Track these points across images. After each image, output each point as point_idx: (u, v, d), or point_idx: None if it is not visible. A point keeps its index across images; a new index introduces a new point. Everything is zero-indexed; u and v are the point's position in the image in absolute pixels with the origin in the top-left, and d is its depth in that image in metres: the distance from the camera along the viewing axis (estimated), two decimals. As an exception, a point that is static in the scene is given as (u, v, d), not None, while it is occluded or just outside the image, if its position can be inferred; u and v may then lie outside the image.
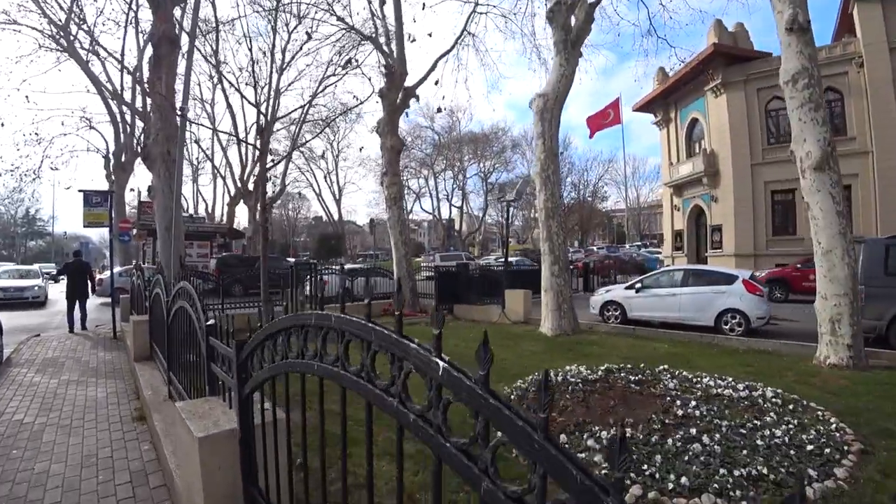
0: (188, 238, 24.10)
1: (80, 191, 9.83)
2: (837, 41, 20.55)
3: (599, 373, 6.39)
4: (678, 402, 5.16)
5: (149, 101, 10.97)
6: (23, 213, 62.45)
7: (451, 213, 49.25)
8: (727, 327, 11.06)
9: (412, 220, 59.65)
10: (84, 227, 9.70)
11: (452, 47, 17.92)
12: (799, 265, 17.03)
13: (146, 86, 10.31)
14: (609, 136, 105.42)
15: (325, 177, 46.75)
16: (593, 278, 20.65)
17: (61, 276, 12.68)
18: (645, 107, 26.10)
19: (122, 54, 17.50)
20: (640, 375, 6.33)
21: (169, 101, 10.02)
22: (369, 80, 15.19)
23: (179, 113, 8.05)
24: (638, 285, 12.60)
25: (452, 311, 14.26)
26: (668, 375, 6.35)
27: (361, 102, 11.00)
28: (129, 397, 6.16)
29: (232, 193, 28.99)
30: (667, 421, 4.73)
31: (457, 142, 43.02)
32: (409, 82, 15.69)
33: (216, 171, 32.44)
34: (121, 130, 22.70)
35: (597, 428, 4.63)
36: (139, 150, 9.90)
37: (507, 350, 9.20)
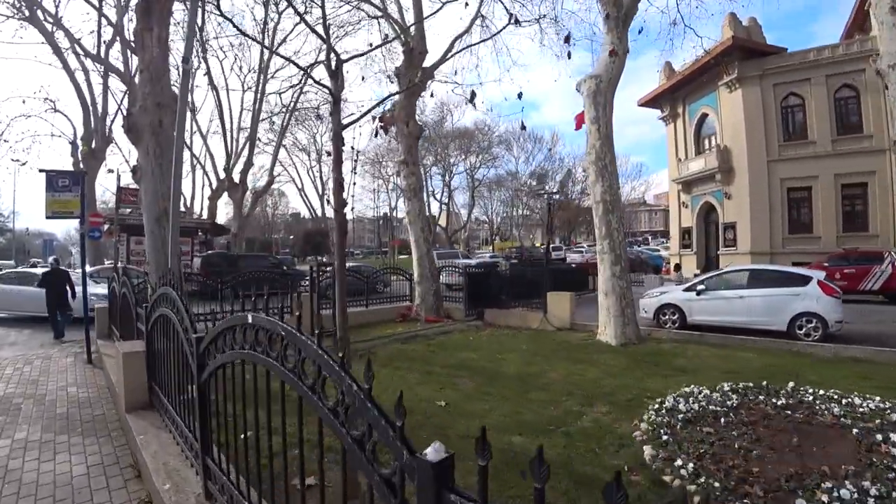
0: None
1: (41, 171, 7.26)
2: (848, 39, 19.53)
3: (733, 397, 5.43)
4: (878, 437, 4.11)
5: (134, 60, 8.46)
6: (-20, 208, 56.39)
7: (440, 209, 47.02)
8: (802, 332, 9.81)
9: (387, 217, 57.13)
10: (47, 217, 7.14)
11: (468, 28, 15.88)
12: (826, 263, 15.82)
13: (132, 40, 7.79)
14: (581, 135, 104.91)
15: (307, 171, 43.76)
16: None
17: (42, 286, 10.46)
18: (651, 102, 24.67)
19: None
20: (781, 398, 5.38)
21: (161, 57, 7.56)
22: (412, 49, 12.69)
23: (183, 64, 5.71)
24: (700, 287, 11.00)
25: (483, 317, 12.22)
26: (811, 396, 5.43)
27: (397, 92, 8.93)
28: (125, 474, 3.86)
29: (214, 186, 25.91)
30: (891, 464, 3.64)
31: (445, 137, 40.87)
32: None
33: (196, 161, 29.14)
34: (91, 112, 19.48)
35: (829, 484, 3.32)
36: (114, 124, 7.37)
37: (586, 366, 7.65)
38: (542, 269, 12.80)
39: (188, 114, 24.38)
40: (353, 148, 11.78)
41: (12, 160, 25.28)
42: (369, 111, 4.23)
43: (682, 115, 23.19)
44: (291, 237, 57.65)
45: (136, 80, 7.68)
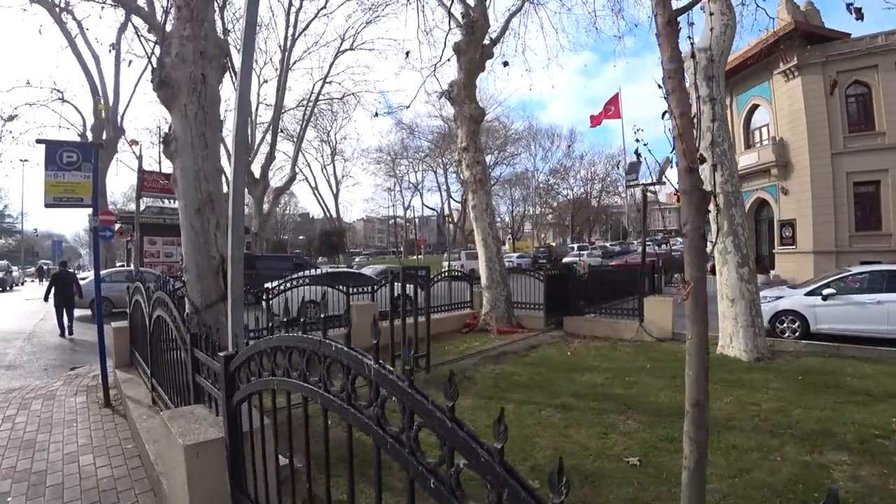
0: (172, 234, 18.75)
1: (39, 141, 5.06)
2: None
3: None
4: None
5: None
6: (-11, 208, 53.87)
7: (463, 208, 44.37)
8: (961, 344, 7.82)
9: (402, 218, 54.92)
10: (46, 205, 4.95)
11: (521, 7, 13.80)
12: (913, 263, 13.85)
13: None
14: (597, 133, 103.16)
15: (321, 168, 41.40)
16: (660, 278, 16.93)
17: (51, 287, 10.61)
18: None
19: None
20: None
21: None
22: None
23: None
24: (826, 291, 9.05)
25: (562, 326, 10.12)
26: None
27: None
28: None
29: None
30: None
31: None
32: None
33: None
34: (101, 101, 17.12)
35: None
36: (153, 79, 5.13)
37: (747, 391, 5.88)
38: (624, 271, 10.73)
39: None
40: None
41: (20, 160, 22.94)
42: None
43: (729, 106, 21.10)
44: (301, 237, 55.23)
45: (170, 22, 5.49)
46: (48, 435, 4.36)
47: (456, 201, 44.76)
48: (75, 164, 5.05)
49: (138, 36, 6.05)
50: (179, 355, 3.46)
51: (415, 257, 38.63)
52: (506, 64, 12.87)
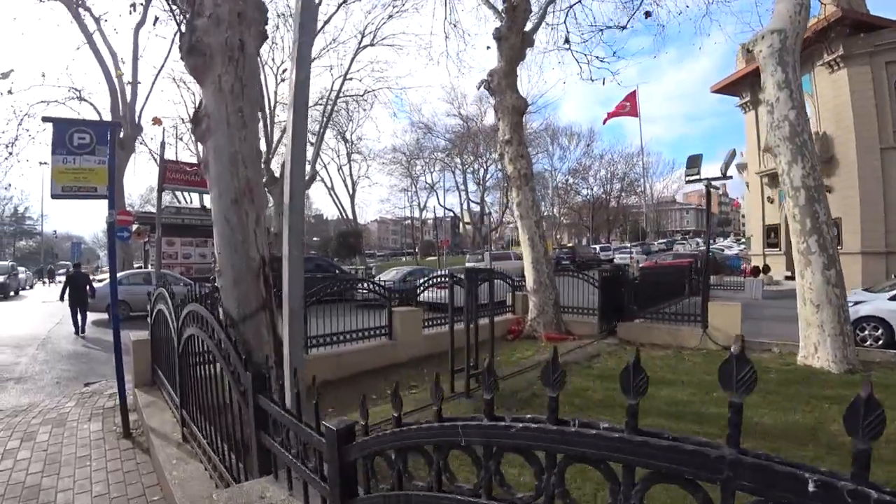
0: (190, 234, 17.98)
1: (46, 119, 4.19)
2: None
3: None
4: None
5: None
6: (10, 211, 53.83)
7: (480, 208, 43.26)
8: None
9: (415, 218, 54.02)
10: (53, 196, 4.07)
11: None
12: (979, 265, 12.67)
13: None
14: (613, 132, 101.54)
15: (338, 170, 40.62)
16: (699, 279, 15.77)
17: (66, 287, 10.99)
18: (727, 88, 21.38)
19: None
20: None
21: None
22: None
23: None
24: (914, 294, 7.95)
25: (615, 332, 9.11)
26: None
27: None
28: None
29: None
30: None
31: (478, 134, 37.65)
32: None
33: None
34: (119, 98, 16.39)
35: None
36: (181, 48, 4.10)
37: None
38: (670, 272, 9.66)
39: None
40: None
41: (40, 163, 22.35)
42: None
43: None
44: (316, 238, 54.56)
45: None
46: (55, 479, 3.45)
47: (474, 202, 43.81)
48: (88, 147, 4.16)
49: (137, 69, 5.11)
50: (222, 381, 2.53)
51: (434, 258, 37.55)
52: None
